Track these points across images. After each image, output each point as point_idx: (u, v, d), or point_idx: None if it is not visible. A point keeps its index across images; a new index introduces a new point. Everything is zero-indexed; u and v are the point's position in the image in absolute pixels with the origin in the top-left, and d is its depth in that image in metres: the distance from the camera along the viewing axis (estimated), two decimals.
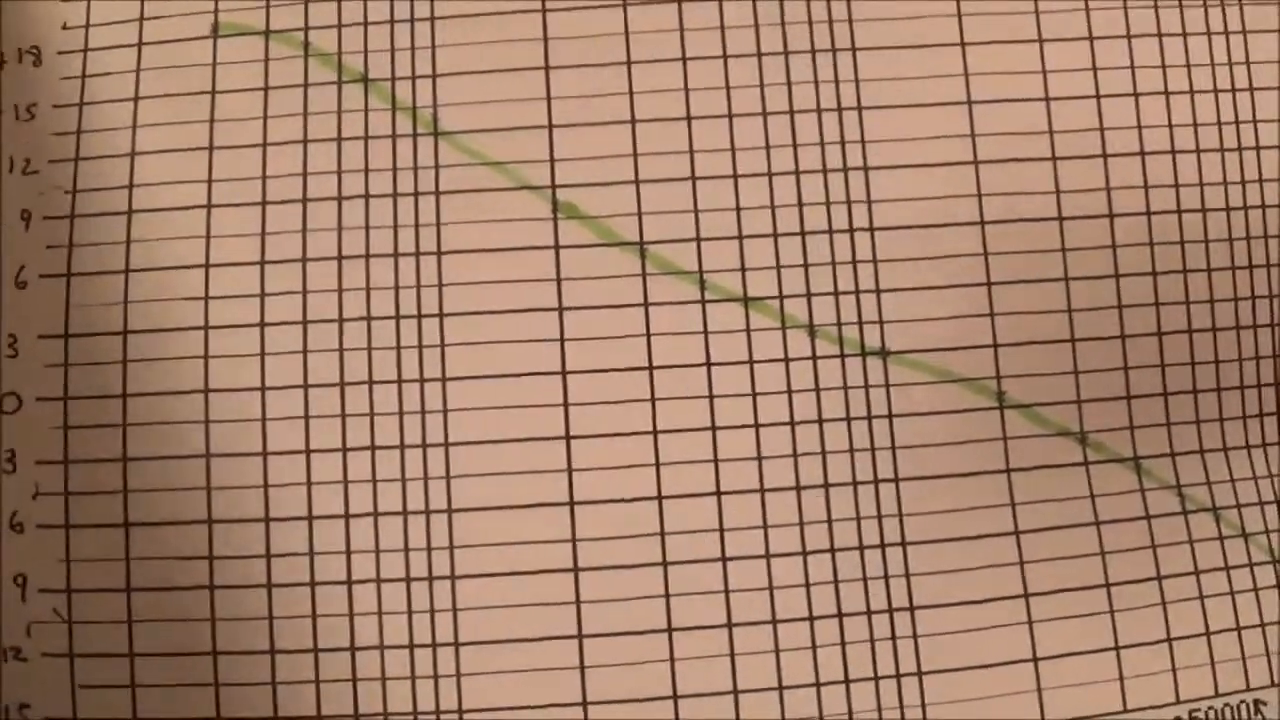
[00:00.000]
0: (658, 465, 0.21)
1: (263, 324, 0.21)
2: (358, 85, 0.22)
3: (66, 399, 0.22)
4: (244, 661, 0.21)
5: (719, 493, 0.21)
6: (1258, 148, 0.22)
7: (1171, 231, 0.22)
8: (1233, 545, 0.21)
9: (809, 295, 0.21)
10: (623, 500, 0.20)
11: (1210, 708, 0.21)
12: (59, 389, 0.22)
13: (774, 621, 0.20)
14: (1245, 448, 0.22)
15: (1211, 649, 0.21)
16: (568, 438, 0.21)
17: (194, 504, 0.21)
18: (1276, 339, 0.22)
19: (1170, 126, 0.22)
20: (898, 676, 0.20)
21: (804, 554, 0.21)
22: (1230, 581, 0.21)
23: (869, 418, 0.21)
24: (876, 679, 0.20)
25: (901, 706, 0.20)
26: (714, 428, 0.21)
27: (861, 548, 0.21)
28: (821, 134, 0.21)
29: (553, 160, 0.21)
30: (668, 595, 0.20)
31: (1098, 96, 0.21)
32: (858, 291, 0.21)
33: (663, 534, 0.20)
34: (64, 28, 0.23)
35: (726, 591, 0.20)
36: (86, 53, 0.23)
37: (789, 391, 0.21)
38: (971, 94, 0.21)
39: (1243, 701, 0.21)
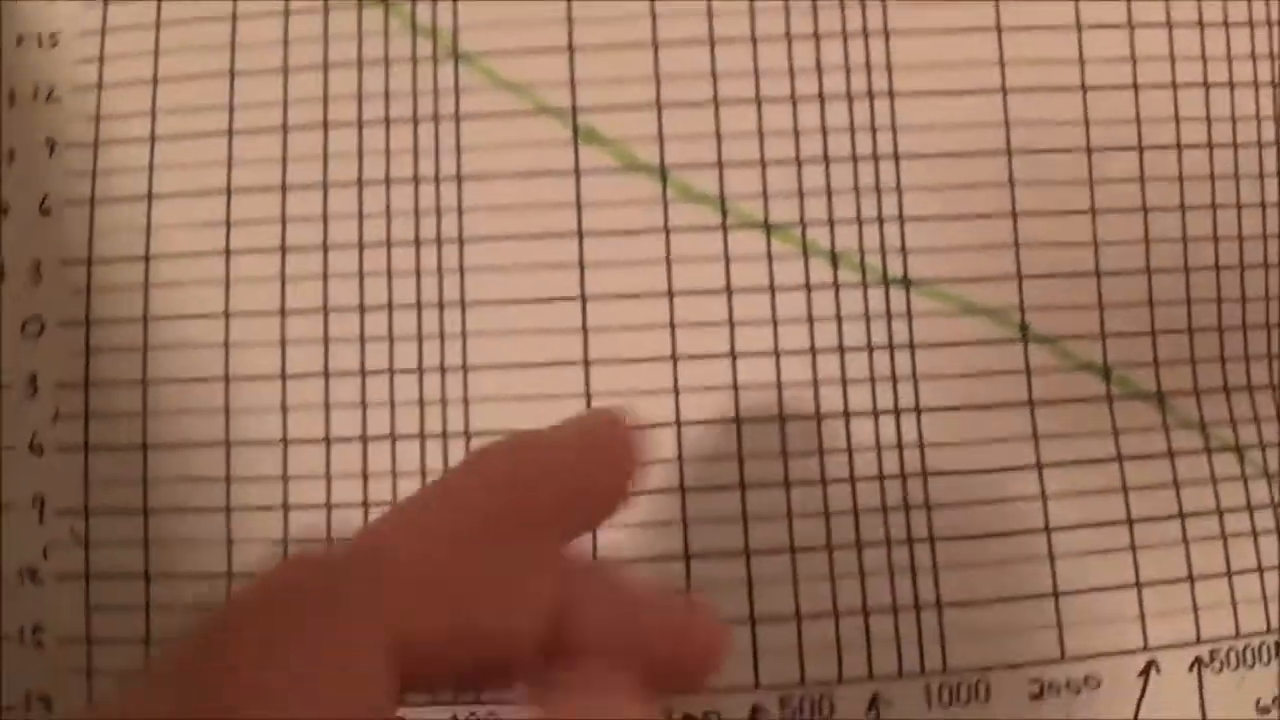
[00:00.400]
0: (676, 391, 0.20)
1: (284, 248, 0.21)
2: (378, 8, 0.22)
3: (89, 323, 0.22)
4: None
5: (738, 419, 0.20)
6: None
7: (1202, 166, 0.21)
8: (1256, 485, 0.21)
9: (831, 223, 0.21)
10: (642, 425, 0.20)
11: (1231, 648, 0.21)
12: (81, 313, 0.22)
13: (792, 550, 0.20)
14: (1270, 387, 0.21)
15: (1233, 589, 0.21)
16: (586, 363, 0.20)
17: (212, 426, 0.21)
18: None
19: (1204, 59, 0.21)
20: (916, 608, 0.20)
21: (823, 483, 0.20)
22: (1253, 521, 0.21)
23: (890, 347, 0.21)
24: (895, 610, 0.20)
25: (920, 638, 0.20)
26: (734, 355, 0.21)
27: (881, 477, 0.20)
28: (847, 59, 0.21)
29: (573, 83, 0.21)
30: (685, 522, 0.20)
31: (1130, 26, 0.21)
32: (881, 220, 0.21)
33: (681, 460, 0.20)
34: None
35: (745, 519, 0.20)
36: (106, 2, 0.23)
37: (810, 319, 0.21)
38: (1001, 20, 0.21)
39: (1263, 643, 0.21)
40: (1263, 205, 0.21)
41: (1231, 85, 0.21)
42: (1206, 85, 0.21)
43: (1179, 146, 0.21)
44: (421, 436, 0.21)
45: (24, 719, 0.21)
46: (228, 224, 0.21)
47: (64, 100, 0.22)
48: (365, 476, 0.21)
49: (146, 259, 0.21)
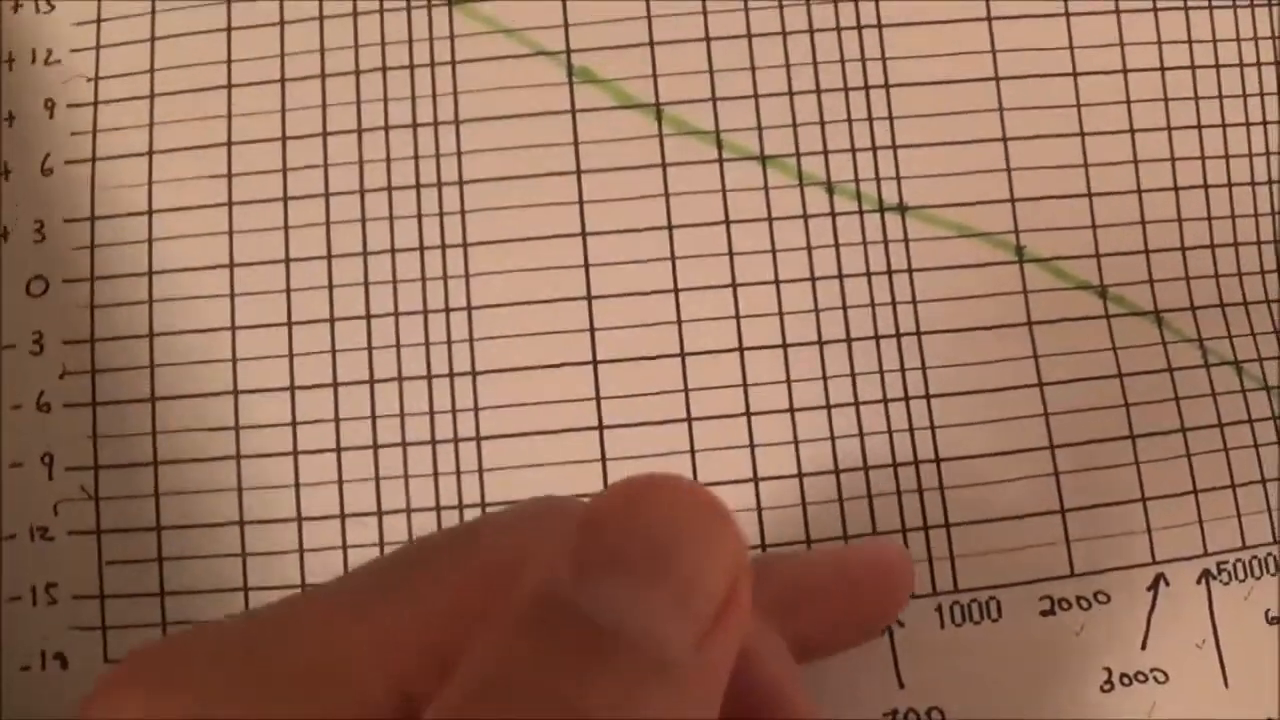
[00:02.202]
0: (679, 323, 0.21)
1: (286, 198, 0.21)
2: None
3: (93, 279, 0.22)
4: (271, 530, 0.21)
5: (741, 349, 0.21)
6: (1270, 3, 0.22)
7: (1185, 87, 0.22)
8: (1255, 398, 0.21)
9: (826, 152, 0.21)
10: (646, 358, 0.20)
11: (1238, 560, 0.21)
12: (85, 270, 0.22)
13: (800, 476, 0.20)
14: (1265, 301, 0.22)
15: (1238, 501, 0.21)
16: (589, 298, 0.21)
17: (220, 377, 0.21)
18: None
19: None
20: (925, 528, 0.20)
21: (828, 408, 0.21)
22: (1254, 434, 0.21)
23: (889, 272, 0.21)
24: (904, 530, 0.20)
25: (930, 558, 0.20)
26: (734, 284, 0.21)
27: (885, 400, 0.21)
28: None
29: (566, 25, 0.21)
30: (693, 451, 0.20)
31: None
32: (875, 148, 0.21)
33: (686, 391, 0.20)
34: None
35: (752, 446, 0.20)
36: None
37: (809, 248, 0.21)
38: None
39: (1270, 554, 0.21)
40: (1247, 124, 0.22)
41: (1211, 8, 0.22)
42: (1187, 8, 0.22)
43: (1162, 68, 0.22)
44: (428, 377, 0.21)
45: (40, 677, 0.21)
46: (229, 176, 0.22)
47: (64, 62, 0.23)
48: (373, 417, 0.21)
49: (149, 213, 0.22)
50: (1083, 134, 0.21)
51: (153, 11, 0.22)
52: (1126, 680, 0.20)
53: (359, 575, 0.13)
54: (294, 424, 0.21)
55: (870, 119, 0.21)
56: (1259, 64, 0.22)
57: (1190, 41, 0.22)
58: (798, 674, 0.14)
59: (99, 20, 0.23)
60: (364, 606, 0.12)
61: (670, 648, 0.10)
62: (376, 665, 0.12)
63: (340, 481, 0.21)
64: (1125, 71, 0.22)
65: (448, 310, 0.21)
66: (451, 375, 0.21)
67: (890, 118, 0.21)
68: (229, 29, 0.22)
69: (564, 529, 0.12)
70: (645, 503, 0.11)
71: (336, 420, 0.21)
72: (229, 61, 0.22)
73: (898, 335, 0.21)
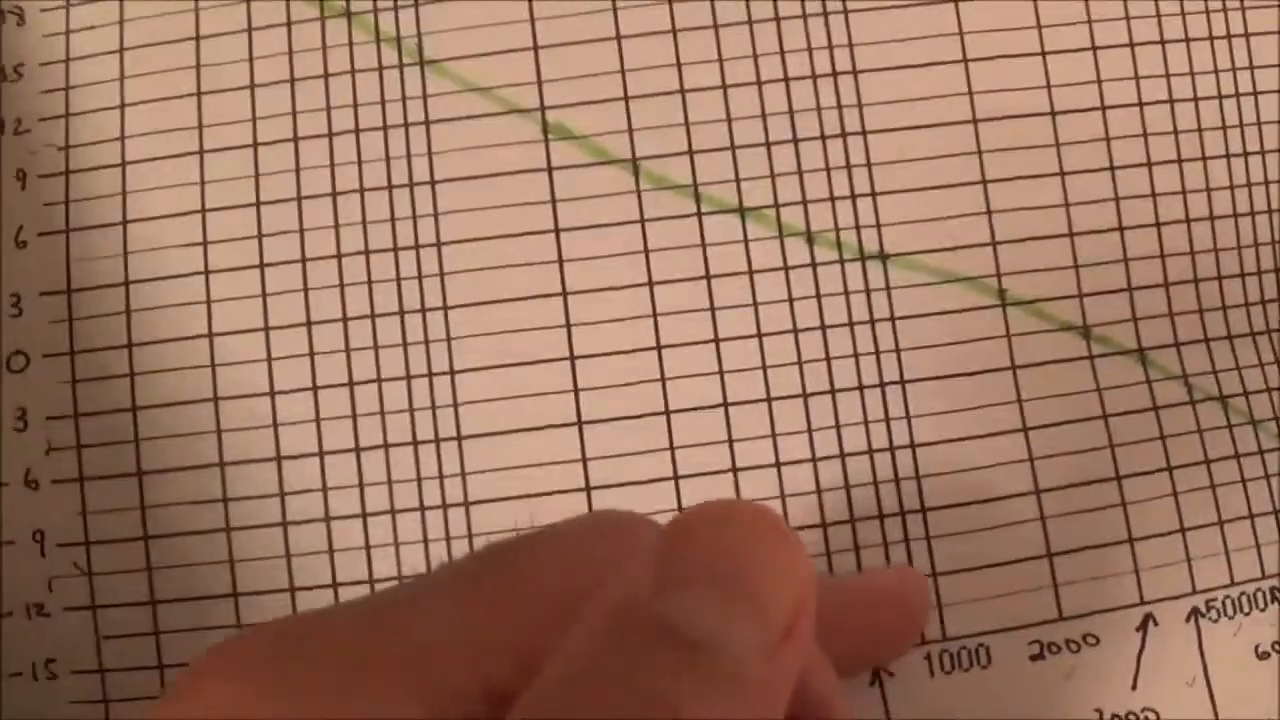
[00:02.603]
0: (663, 380, 0.21)
1: (262, 265, 0.21)
2: (340, 19, 0.22)
3: (73, 353, 0.22)
4: (265, 601, 0.21)
5: (725, 404, 0.21)
6: (1246, 35, 0.22)
7: (1165, 122, 0.21)
8: (1241, 433, 0.21)
9: (805, 202, 0.21)
10: (630, 417, 0.20)
11: (1227, 597, 0.21)
12: (65, 344, 0.22)
13: None
14: (1250, 335, 0.22)
15: (1225, 538, 0.21)
16: (572, 358, 0.21)
17: (205, 448, 0.21)
18: (1275, 224, 0.22)
19: (1159, 17, 0.22)
20: None
21: (814, 460, 0.21)
22: (1241, 469, 0.21)
23: (872, 321, 0.21)
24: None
25: None
26: (717, 340, 0.21)
27: (870, 451, 0.21)
28: (808, 38, 0.21)
29: (540, 82, 0.21)
30: (680, 509, 0.20)
31: None
32: (854, 196, 0.21)
33: (672, 448, 0.20)
34: None
35: None
36: (69, 8, 0.23)
37: (790, 299, 0.21)
38: None
39: (1259, 589, 0.21)
40: (1227, 155, 0.22)
41: (1187, 40, 0.22)
42: (1163, 43, 0.22)
43: (1140, 104, 0.21)
44: (414, 443, 0.21)
45: None
46: (204, 244, 0.21)
47: (34, 130, 0.22)
48: (361, 487, 0.21)
49: (126, 284, 0.22)
50: (1062, 173, 0.21)
51: (121, 77, 0.22)
52: None
53: (441, 576, 0.13)
54: (281, 495, 0.21)
55: (848, 166, 0.21)
56: (1237, 95, 0.22)
57: (1168, 75, 0.22)
58: (840, 687, 0.15)
59: (67, 88, 0.22)
60: (455, 605, 0.13)
61: (744, 659, 0.11)
62: (469, 663, 0.12)
63: (331, 550, 0.21)
64: (1104, 108, 0.21)
65: (430, 375, 0.21)
66: (437, 441, 0.21)
67: (868, 164, 0.21)
68: (199, 93, 0.22)
69: (640, 544, 0.13)
70: (725, 524, 0.12)
71: (324, 489, 0.21)
72: (200, 127, 0.22)
73: (881, 385, 0.21)
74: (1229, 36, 0.22)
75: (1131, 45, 0.21)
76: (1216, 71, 0.22)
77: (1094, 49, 0.21)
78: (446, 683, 0.12)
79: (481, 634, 0.12)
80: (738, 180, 0.21)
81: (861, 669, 0.19)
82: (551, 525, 0.14)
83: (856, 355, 0.21)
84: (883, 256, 0.21)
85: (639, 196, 0.21)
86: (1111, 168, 0.21)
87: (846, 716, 0.15)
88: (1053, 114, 0.21)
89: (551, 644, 0.12)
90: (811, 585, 0.12)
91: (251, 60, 0.22)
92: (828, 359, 0.21)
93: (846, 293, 0.21)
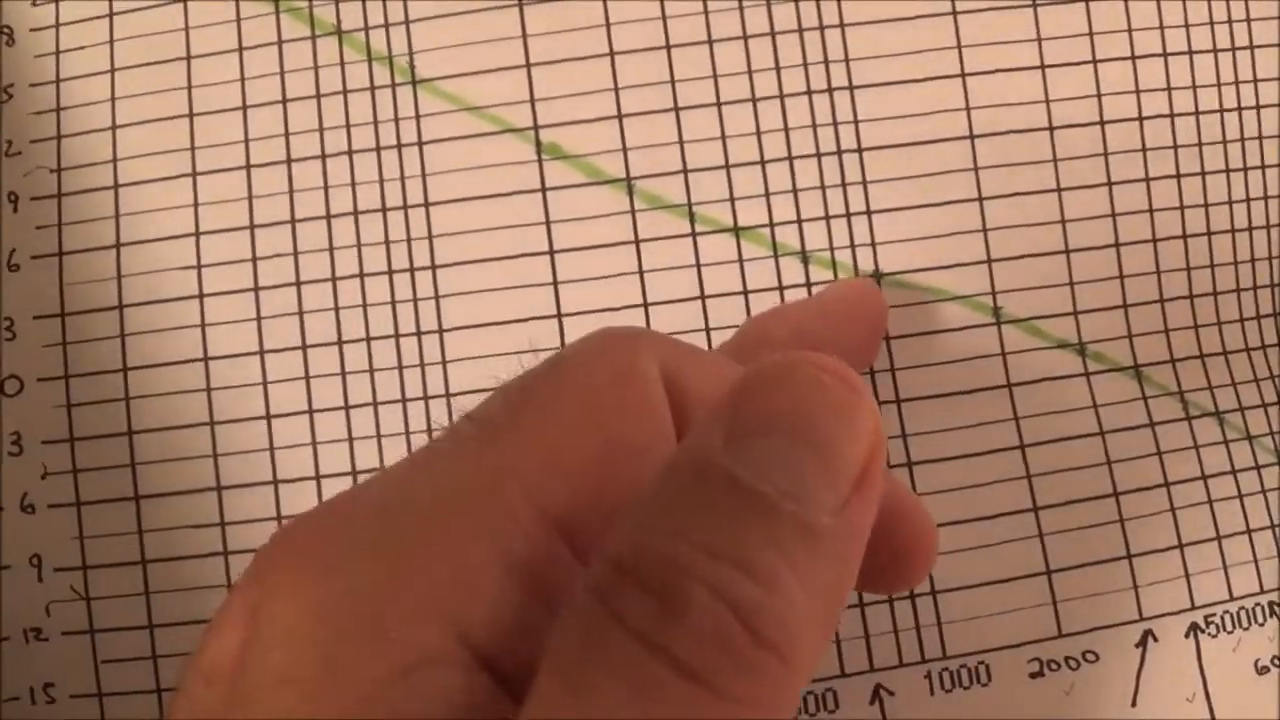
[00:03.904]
0: None
1: (257, 288, 0.21)
2: (331, 38, 0.21)
3: (68, 377, 0.22)
4: None
5: None
6: (1251, 47, 0.22)
7: (1165, 136, 0.21)
8: (1238, 448, 0.21)
9: (800, 221, 0.21)
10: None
11: (1226, 612, 0.21)
12: (59, 368, 0.22)
13: None
14: (1245, 350, 0.21)
15: (1223, 553, 0.21)
16: None
17: (202, 472, 0.21)
18: (1272, 239, 0.22)
19: (1161, 29, 0.21)
20: (912, 597, 0.20)
21: None
22: (1238, 484, 0.21)
23: None
24: (890, 600, 0.20)
25: (918, 626, 0.20)
26: None
27: None
28: (804, 54, 0.21)
29: (533, 101, 0.21)
30: None
31: (1087, 1, 0.21)
32: (849, 215, 0.21)
33: None
34: (34, 4, 0.23)
35: None
36: (59, 28, 0.22)
37: None
38: (956, 4, 0.21)
39: (1258, 604, 0.21)
40: (1227, 170, 0.21)
41: (1190, 53, 0.21)
42: (1165, 55, 0.21)
43: (1140, 119, 0.21)
44: None
45: None
46: (199, 267, 0.21)
47: (24, 152, 0.22)
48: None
49: (120, 308, 0.22)
50: (1060, 189, 0.21)
51: (113, 98, 0.22)
52: None
53: (466, 426, 0.13)
54: (279, 519, 0.21)
55: (844, 184, 0.21)
56: (1239, 108, 0.21)
57: (1169, 89, 0.21)
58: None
59: (58, 109, 0.22)
60: (493, 446, 0.13)
61: (816, 512, 0.11)
62: (523, 496, 0.12)
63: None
64: (1103, 123, 0.21)
65: (426, 399, 0.21)
66: None
67: (864, 182, 0.21)
68: (191, 114, 0.22)
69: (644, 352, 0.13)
70: (793, 377, 0.12)
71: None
72: (192, 149, 0.22)
73: (878, 404, 0.21)
74: (1233, 49, 0.21)
75: (1133, 58, 0.21)
76: (1219, 84, 0.21)
77: (1094, 62, 0.21)
78: (508, 518, 0.12)
79: (528, 466, 0.12)
80: (732, 200, 0.21)
81: None
82: (556, 355, 0.14)
83: None
84: (878, 275, 0.21)
85: (634, 216, 0.21)
86: (1109, 183, 0.21)
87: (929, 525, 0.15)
88: (1051, 129, 0.21)
89: (596, 465, 0.12)
90: (880, 435, 0.12)
91: (243, 80, 0.21)
92: None
93: None
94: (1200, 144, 0.21)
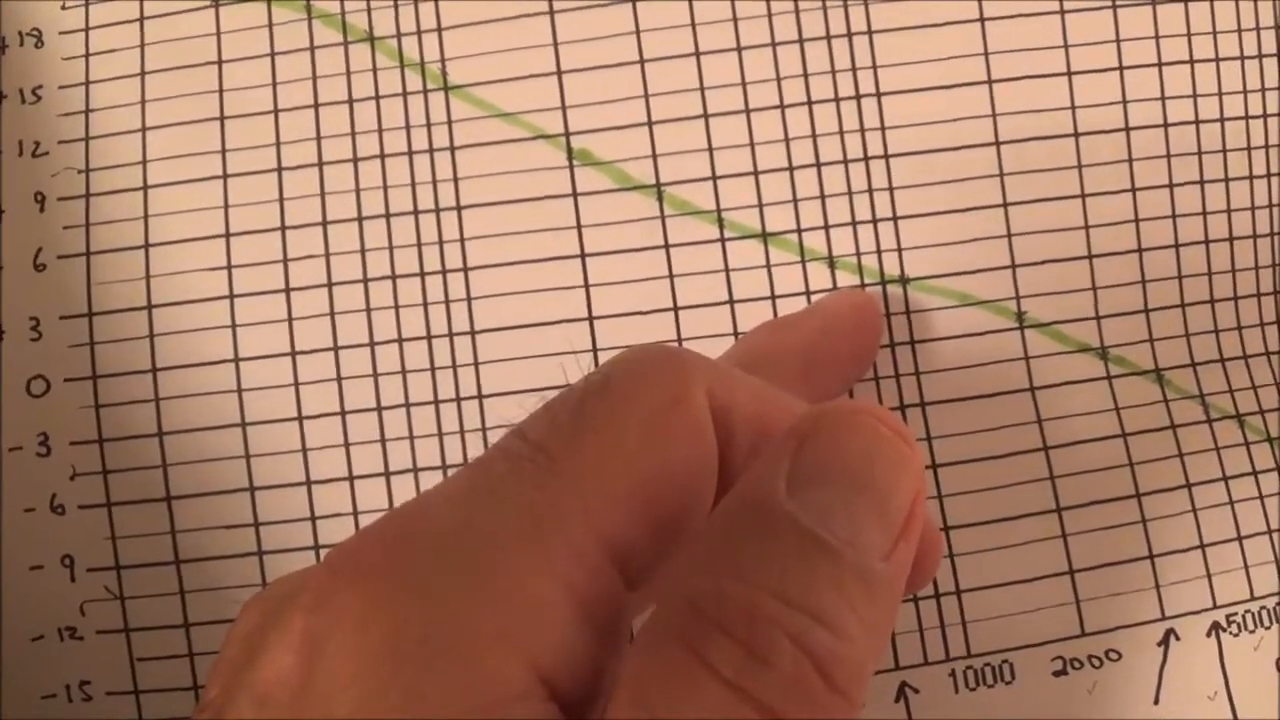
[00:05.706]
0: None
1: (288, 289, 0.21)
2: (364, 44, 0.22)
3: (95, 378, 0.22)
4: None
5: None
6: (1279, 54, 0.22)
7: (1190, 143, 0.22)
8: (1259, 450, 0.22)
9: (827, 227, 0.21)
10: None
11: (1247, 611, 0.21)
12: (87, 368, 0.22)
13: None
14: (1265, 354, 0.22)
15: (1244, 553, 0.21)
16: None
17: (234, 473, 0.21)
18: None
19: (1189, 35, 0.22)
20: (937, 596, 0.21)
21: None
22: (1259, 486, 0.22)
23: (892, 345, 0.21)
24: (916, 599, 0.21)
25: (943, 625, 0.21)
26: None
27: None
28: (832, 61, 0.21)
29: (564, 107, 0.21)
30: None
31: (1114, 7, 0.21)
32: (875, 220, 0.21)
33: None
34: (64, 7, 0.23)
35: None
36: (88, 31, 0.22)
37: None
38: (984, 11, 0.21)
39: (1279, 603, 0.22)
40: (1250, 177, 0.22)
41: (1217, 60, 0.22)
42: (1192, 62, 0.22)
43: (1165, 125, 0.21)
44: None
45: None
46: (229, 268, 0.22)
47: (52, 153, 0.22)
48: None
49: (149, 308, 0.22)
50: (1084, 195, 0.21)
51: (142, 101, 0.22)
52: None
53: (520, 448, 0.13)
54: (312, 519, 0.21)
55: (870, 190, 0.21)
56: (1265, 116, 0.22)
57: (1195, 95, 0.22)
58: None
59: (87, 111, 0.22)
60: (552, 475, 0.13)
61: (871, 557, 0.12)
62: (583, 524, 0.12)
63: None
64: (1128, 129, 0.21)
65: (459, 400, 0.21)
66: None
67: (890, 188, 0.21)
68: (221, 118, 0.22)
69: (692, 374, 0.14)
70: (855, 429, 0.13)
71: (355, 515, 0.21)
72: (223, 151, 0.22)
73: (902, 407, 0.21)
74: (1260, 56, 0.22)
75: (1160, 64, 0.22)
76: (1245, 92, 0.22)
77: (1120, 69, 0.21)
78: (573, 550, 0.12)
79: (589, 496, 0.13)
80: (760, 206, 0.21)
81: (839, 392, 0.20)
82: (603, 374, 0.14)
83: (877, 379, 0.21)
84: (904, 280, 0.21)
85: (663, 222, 0.21)
86: (1133, 189, 0.21)
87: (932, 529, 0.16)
88: (1076, 135, 0.21)
89: (649, 491, 0.13)
90: (923, 482, 0.13)
91: (275, 85, 0.22)
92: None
93: None
94: (1225, 150, 0.22)
